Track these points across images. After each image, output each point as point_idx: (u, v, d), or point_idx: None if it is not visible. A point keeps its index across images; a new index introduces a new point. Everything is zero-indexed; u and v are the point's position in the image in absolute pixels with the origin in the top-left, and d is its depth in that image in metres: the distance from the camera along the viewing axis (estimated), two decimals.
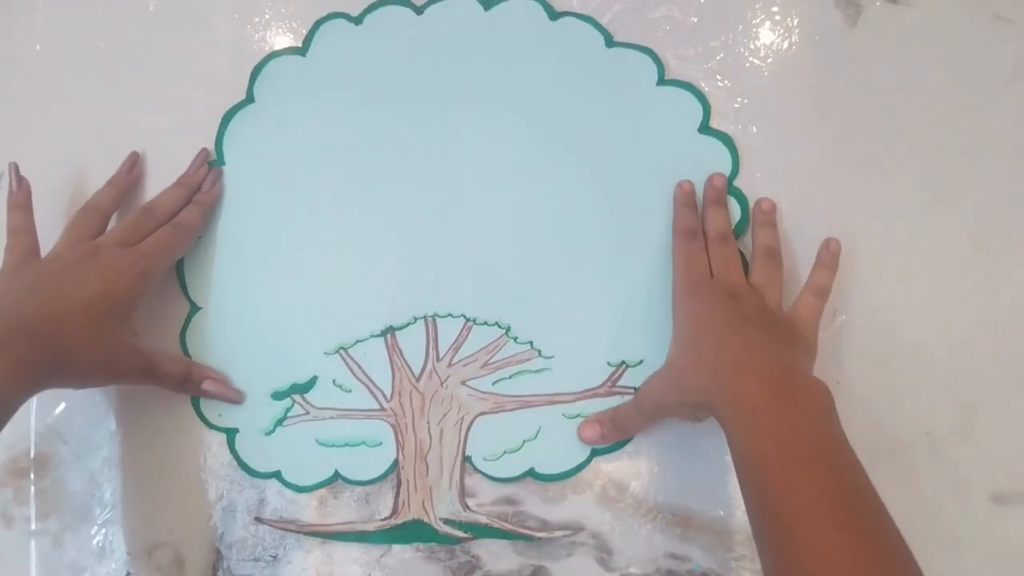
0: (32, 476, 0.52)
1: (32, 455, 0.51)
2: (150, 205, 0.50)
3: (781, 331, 0.45)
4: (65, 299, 0.43)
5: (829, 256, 0.49)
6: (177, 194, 0.51)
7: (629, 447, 0.50)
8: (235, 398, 0.50)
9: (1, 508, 0.51)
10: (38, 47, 0.55)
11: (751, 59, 0.53)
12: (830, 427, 0.39)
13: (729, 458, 0.49)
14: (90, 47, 0.55)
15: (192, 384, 0.49)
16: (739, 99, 0.53)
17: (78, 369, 0.43)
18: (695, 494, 0.50)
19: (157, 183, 0.53)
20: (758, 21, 0.54)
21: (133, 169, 0.52)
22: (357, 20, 0.54)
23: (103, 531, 0.51)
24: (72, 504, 0.51)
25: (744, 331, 0.44)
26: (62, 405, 0.51)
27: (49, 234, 0.53)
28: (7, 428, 0.51)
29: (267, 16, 0.55)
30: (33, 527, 0.51)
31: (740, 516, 0.49)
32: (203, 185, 0.52)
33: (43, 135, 0.55)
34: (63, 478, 0.51)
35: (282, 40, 0.54)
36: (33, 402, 0.52)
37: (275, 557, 0.50)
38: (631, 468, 0.50)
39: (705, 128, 0.52)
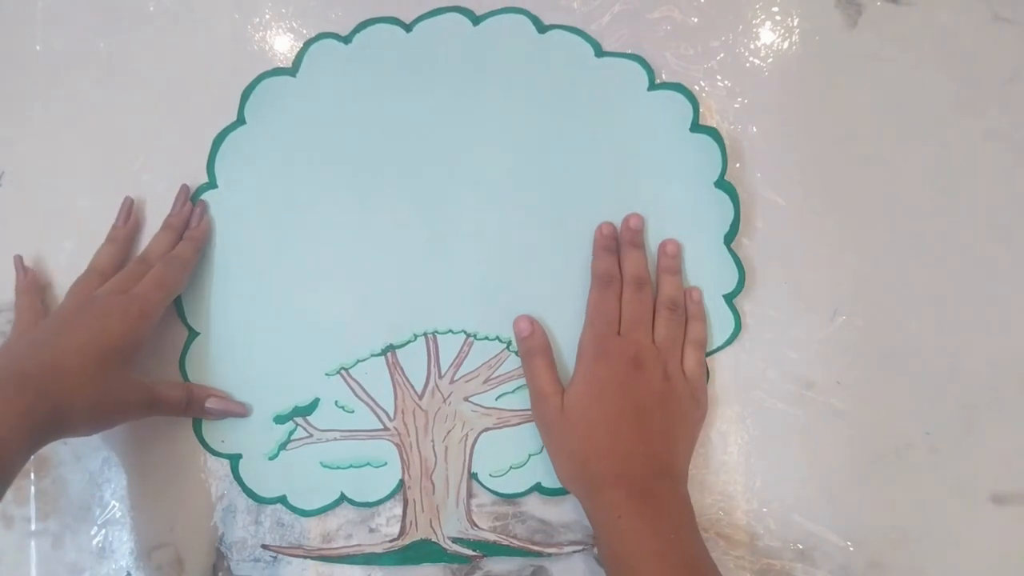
0: (32, 476, 0.52)
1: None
2: (143, 254, 0.50)
3: (672, 410, 0.47)
4: (59, 349, 0.44)
5: (696, 307, 0.50)
6: (166, 237, 0.51)
7: None
8: (241, 411, 0.50)
9: (1, 508, 0.51)
10: (38, 47, 0.55)
11: (751, 59, 0.53)
12: (688, 532, 0.44)
13: (727, 458, 0.50)
14: (90, 47, 0.55)
15: (196, 405, 0.49)
16: (739, 99, 0.53)
17: (79, 413, 0.43)
18: (695, 494, 0.50)
19: (152, 186, 0.53)
20: (758, 21, 0.54)
21: (129, 219, 0.52)
22: (346, 40, 0.53)
23: (103, 531, 0.51)
24: (72, 504, 0.51)
25: (634, 423, 0.46)
26: None
27: (48, 232, 0.53)
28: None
29: (267, 16, 0.55)
30: (33, 527, 0.51)
31: (740, 516, 0.49)
32: (191, 220, 0.52)
33: (43, 135, 0.55)
34: (63, 478, 0.51)
35: (282, 41, 0.54)
36: None
37: (275, 558, 0.50)
38: None
39: (695, 127, 0.52)
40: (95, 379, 0.43)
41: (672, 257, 0.50)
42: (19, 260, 0.52)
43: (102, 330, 0.45)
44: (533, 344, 0.49)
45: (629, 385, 0.46)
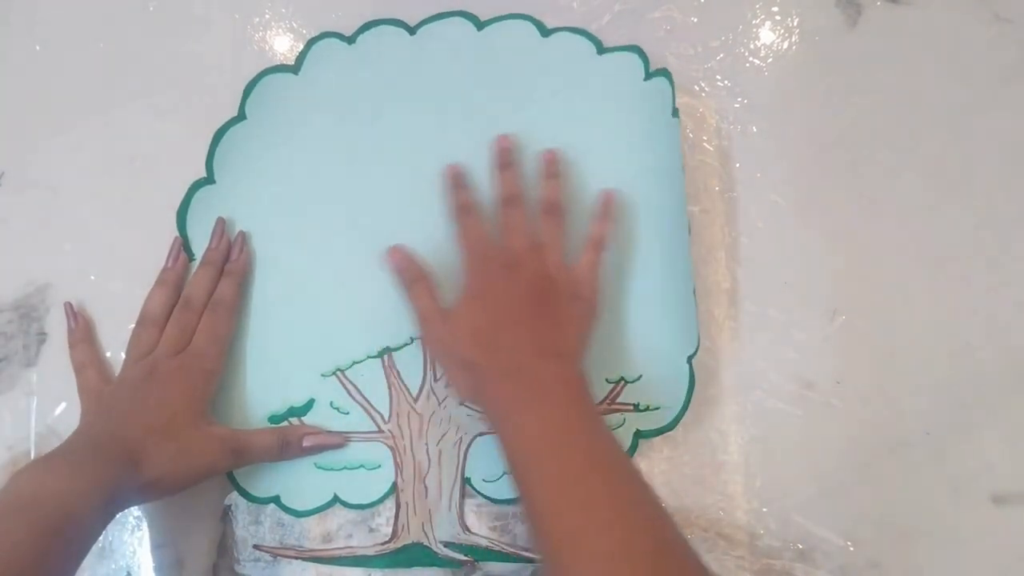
0: None
1: (32, 455, 0.51)
2: (186, 298, 0.50)
3: (554, 303, 0.46)
4: (131, 420, 0.45)
5: (605, 207, 0.50)
6: (206, 275, 0.50)
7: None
8: (339, 442, 0.50)
9: None
10: (38, 47, 0.55)
11: (751, 59, 0.53)
12: (579, 413, 0.43)
13: (727, 458, 0.50)
14: (90, 47, 0.55)
15: (292, 448, 0.49)
16: (739, 99, 0.53)
17: (156, 475, 0.43)
18: (695, 494, 0.50)
19: (152, 185, 0.53)
20: (758, 21, 0.54)
21: (179, 259, 0.51)
22: (350, 40, 0.54)
23: (104, 531, 0.51)
24: None
25: (514, 319, 0.45)
26: (62, 405, 0.51)
27: (48, 232, 0.53)
28: (7, 428, 0.51)
29: (267, 16, 0.55)
30: None
31: (740, 516, 0.49)
32: (232, 252, 0.51)
33: (43, 135, 0.55)
34: None
35: (282, 41, 0.54)
36: (33, 402, 0.52)
37: (275, 558, 0.50)
38: None
39: (674, 112, 0.51)
40: (168, 441, 0.44)
41: (551, 163, 0.51)
42: (69, 307, 0.52)
43: (166, 397, 0.46)
44: (413, 273, 0.49)
45: (506, 287, 0.46)
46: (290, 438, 0.49)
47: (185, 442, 0.45)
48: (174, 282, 0.51)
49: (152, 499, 0.45)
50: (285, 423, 0.50)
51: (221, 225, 0.52)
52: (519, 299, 0.46)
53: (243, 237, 0.52)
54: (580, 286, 0.48)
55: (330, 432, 0.50)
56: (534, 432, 0.41)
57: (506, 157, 0.51)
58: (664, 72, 0.52)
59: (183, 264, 0.52)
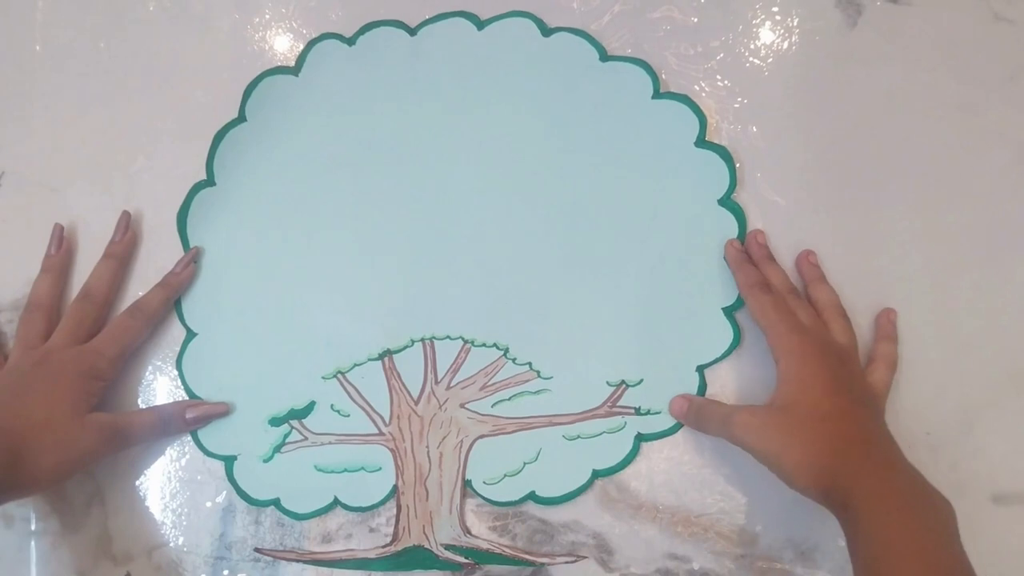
0: None
1: None
2: (86, 290, 0.50)
3: (880, 412, 0.46)
4: (15, 410, 0.44)
5: (890, 326, 0.50)
6: (107, 268, 0.50)
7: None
8: (222, 410, 0.50)
9: (1, 508, 0.51)
10: (38, 47, 0.55)
11: (751, 59, 0.53)
12: (956, 545, 0.39)
13: (727, 458, 0.50)
14: (90, 47, 0.55)
15: (176, 421, 0.49)
16: (739, 99, 0.53)
17: (34, 470, 0.43)
18: (695, 494, 0.50)
19: (152, 186, 0.53)
20: (758, 21, 0.54)
21: (61, 247, 0.51)
22: (350, 41, 0.54)
23: (103, 531, 0.51)
24: (72, 504, 0.51)
25: (859, 417, 0.43)
26: None
27: (48, 232, 0.53)
28: None
29: (267, 16, 0.55)
30: (33, 527, 0.51)
31: (740, 516, 0.49)
32: (176, 266, 0.51)
33: (43, 135, 0.55)
34: None
35: (282, 41, 0.54)
36: None
37: (275, 560, 0.50)
38: (631, 468, 0.50)
39: (702, 142, 0.52)
40: (47, 436, 0.44)
41: (815, 265, 0.50)
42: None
43: (54, 390, 0.45)
44: (693, 402, 0.49)
45: (840, 381, 0.44)
46: (171, 413, 0.49)
47: (63, 433, 0.44)
48: (58, 270, 0.51)
49: (33, 493, 0.45)
50: (286, 426, 0.50)
51: (126, 219, 0.51)
52: (856, 401, 0.44)
53: (194, 253, 0.51)
54: (880, 400, 0.47)
55: (212, 402, 0.50)
56: (906, 541, 0.38)
57: (769, 253, 0.50)
58: (683, 98, 0.52)
59: (66, 252, 0.51)
